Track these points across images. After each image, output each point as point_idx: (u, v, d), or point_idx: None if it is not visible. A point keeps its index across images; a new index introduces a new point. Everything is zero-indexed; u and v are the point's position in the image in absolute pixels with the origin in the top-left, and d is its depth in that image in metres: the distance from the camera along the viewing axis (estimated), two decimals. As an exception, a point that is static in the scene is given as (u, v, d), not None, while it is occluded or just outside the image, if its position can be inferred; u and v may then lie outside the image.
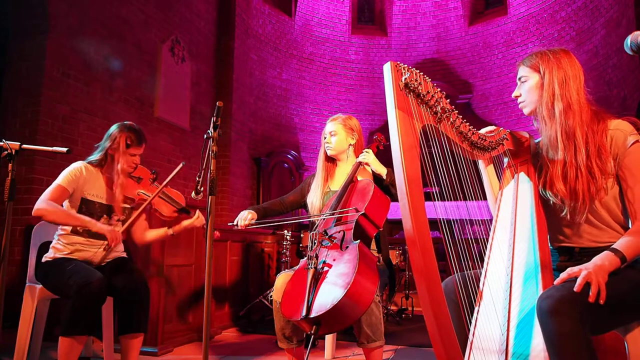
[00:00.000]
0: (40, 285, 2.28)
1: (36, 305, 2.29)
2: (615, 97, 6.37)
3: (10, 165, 1.81)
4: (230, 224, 2.18)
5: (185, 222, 2.41)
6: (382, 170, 2.18)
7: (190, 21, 6.23)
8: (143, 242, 2.48)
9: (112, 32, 4.82)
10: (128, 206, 2.37)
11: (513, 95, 1.62)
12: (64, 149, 2.13)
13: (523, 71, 1.58)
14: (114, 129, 2.32)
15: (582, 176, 1.41)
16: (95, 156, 2.33)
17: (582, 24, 7.30)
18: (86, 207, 2.24)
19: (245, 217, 2.20)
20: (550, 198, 1.49)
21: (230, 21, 6.99)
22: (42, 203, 2.10)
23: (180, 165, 2.18)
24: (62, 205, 2.19)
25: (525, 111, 1.60)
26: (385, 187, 2.14)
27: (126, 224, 2.29)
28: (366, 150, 2.24)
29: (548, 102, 1.49)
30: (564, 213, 1.46)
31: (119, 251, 2.40)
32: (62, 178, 2.20)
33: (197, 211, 2.43)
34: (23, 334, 2.26)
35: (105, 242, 2.19)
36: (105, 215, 2.30)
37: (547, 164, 1.51)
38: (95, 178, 2.29)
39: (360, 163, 2.19)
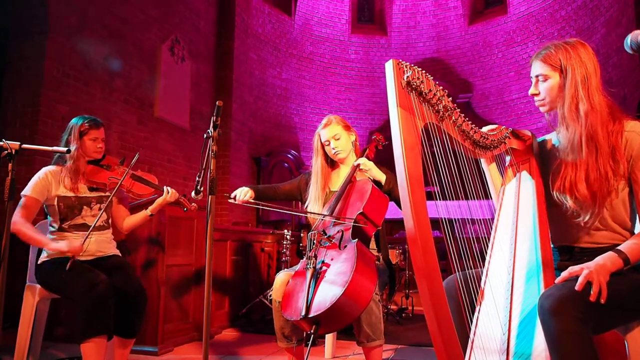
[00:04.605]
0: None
1: (36, 305, 2.29)
2: (615, 97, 6.28)
3: (10, 165, 1.80)
4: (227, 195, 2.17)
5: (159, 200, 2.43)
6: (381, 177, 2.15)
7: (190, 21, 6.22)
8: (126, 229, 2.50)
9: (112, 32, 4.81)
10: (104, 194, 2.39)
11: (530, 92, 1.54)
12: (64, 149, 2.13)
13: (541, 69, 1.49)
14: (70, 123, 2.37)
15: (601, 179, 1.37)
16: (57, 156, 2.36)
17: (582, 23, 7.30)
18: (64, 203, 2.28)
19: (245, 193, 2.17)
20: (566, 202, 1.43)
21: (230, 21, 6.99)
22: (18, 224, 2.14)
23: (138, 153, 2.30)
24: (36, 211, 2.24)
25: (543, 109, 1.54)
26: (387, 192, 2.13)
27: (102, 210, 2.31)
28: (363, 158, 2.18)
29: (571, 104, 1.42)
30: (581, 218, 1.41)
31: (112, 247, 2.43)
32: (30, 189, 2.23)
33: (165, 187, 2.45)
34: (23, 334, 2.25)
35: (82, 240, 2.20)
36: (85, 206, 2.33)
37: (566, 166, 1.44)
38: (62, 176, 2.31)
39: (357, 167, 2.15)
